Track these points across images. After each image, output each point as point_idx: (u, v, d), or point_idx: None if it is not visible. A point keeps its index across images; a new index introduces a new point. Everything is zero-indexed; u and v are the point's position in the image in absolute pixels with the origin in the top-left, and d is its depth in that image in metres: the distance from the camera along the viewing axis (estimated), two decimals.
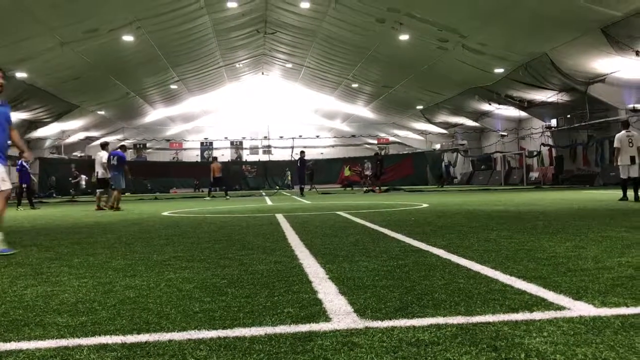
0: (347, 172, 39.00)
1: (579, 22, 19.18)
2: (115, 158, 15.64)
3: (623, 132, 13.20)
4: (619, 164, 13.09)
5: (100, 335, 2.54)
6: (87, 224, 9.93)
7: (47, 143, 38.54)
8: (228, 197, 23.39)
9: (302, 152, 25.70)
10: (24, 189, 18.86)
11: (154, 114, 43.90)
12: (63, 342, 2.44)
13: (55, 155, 39.79)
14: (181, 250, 5.51)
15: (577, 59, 22.77)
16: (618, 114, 26.26)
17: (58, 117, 32.61)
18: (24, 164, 18.24)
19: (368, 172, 33.29)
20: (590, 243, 5.15)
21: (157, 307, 3.07)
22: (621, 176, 13.15)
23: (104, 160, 15.93)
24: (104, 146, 16.98)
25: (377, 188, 27.68)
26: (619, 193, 13.38)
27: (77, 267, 4.64)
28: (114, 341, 2.43)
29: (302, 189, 25.28)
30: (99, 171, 16.18)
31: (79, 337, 2.51)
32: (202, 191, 40.94)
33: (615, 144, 13.16)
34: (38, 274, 4.31)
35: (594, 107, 26.96)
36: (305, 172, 25.29)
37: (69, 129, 38.06)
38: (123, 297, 3.35)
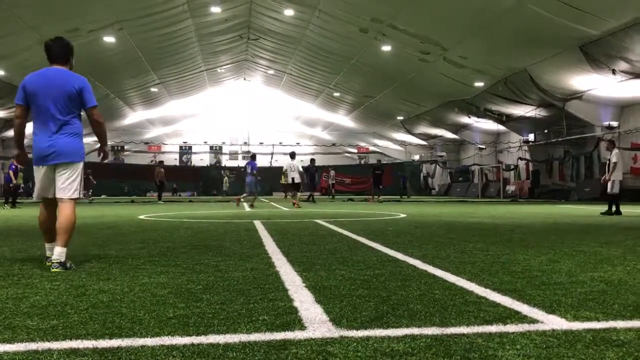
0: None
1: (558, 40, 19.54)
2: (250, 167, 19.26)
3: (616, 150, 13.85)
4: (614, 179, 13.53)
5: (71, 339, 2.49)
6: None
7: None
8: (161, 202, 24.70)
9: (313, 160, 26.09)
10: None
11: (133, 116, 43.52)
12: (32, 346, 2.39)
13: (31, 155, 39.14)
14: (157, 255, 5.45)
15: (555, 76, 23.17)
16: (594, 131, 26.76)
17: None
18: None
19: (332, 181, 34.46)
20: (564, 257, 5.22)
21: (131, 311, 3.03)
22: (615, 191, 13.54)
23: (299, 167, 19.77)
24: (293, 156, 20.21)
25: (371, 197, 27.82)
26: (594, 208, 13.58)
27: (50, 269, 4.56)
28: (85, 346, 2.39)
29: (311, 196, 25.50)
30: (294, 176, 19.45)
31: (49, 341, 2.46)
32: (180, 195, 40.67)
33: (615, 160, 13.59)
34: (9, 276, 4.23)
35: (571, 123, 27.43)
36: (315, 180, 25.65)
37: None
38: (96, 301, 3.30)
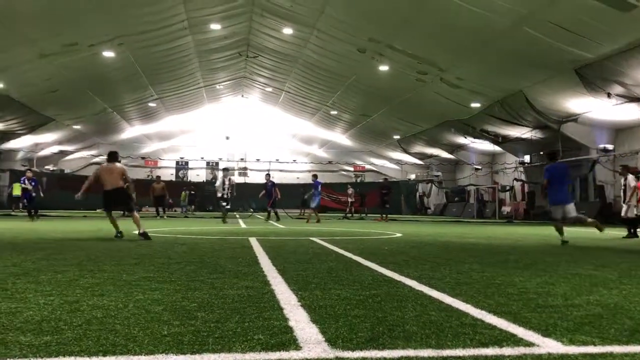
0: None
1: (553, 62, 19.69)
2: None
3: (631, 174, 14.04)
4: (631, 203, 13.68)
5: (64, 356, 2.47)
6: (56, 239, 9.74)
7: (20, 155, 37.89)
8: (161, 217, 24.76)
9: (268, 175, 26.00)
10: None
11: (130, 131, 43.51)
12: None
13: (27, 168, 39.07)
14: (151, 271, 5.42)
15: (551, 98, 23.32)
16: (589, 153, 26.87)
17: (32, 129, 32.13)
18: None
19: (352, 199, 33.85)
20: (559, 280, 5.22)
21: (125, 328, 3.00)
22: (630, 215, 13.68)
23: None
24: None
25: (380, 216, 27.47)
26: (589, 231, 13.61)
27: (44, 284, 4.53)
28: None
29: (270, 212, 24.90)
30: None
31: (42, 357, 2.44)
32: (175, 210, 40.50)
33: (634, 183, 13.79)
34: (2, 290, 4.20)
35: (566, 146, 27.51)
36: (272, 196, 25.12)
37: (42, 142, 37.51)
38: (90, 317, 3.27)
